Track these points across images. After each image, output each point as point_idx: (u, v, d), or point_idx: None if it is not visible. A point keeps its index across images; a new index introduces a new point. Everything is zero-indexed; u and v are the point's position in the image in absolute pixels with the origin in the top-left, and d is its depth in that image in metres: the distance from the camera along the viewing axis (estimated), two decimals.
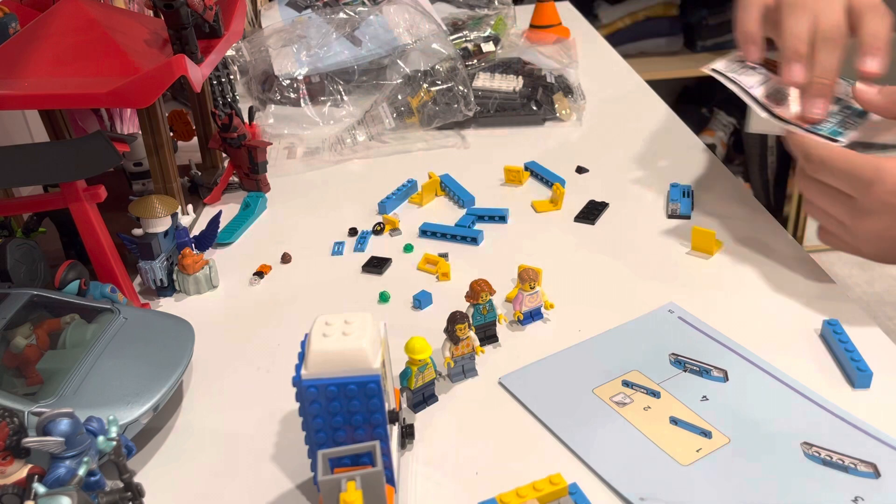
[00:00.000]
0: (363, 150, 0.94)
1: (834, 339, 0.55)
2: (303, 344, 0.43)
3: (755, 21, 0.64)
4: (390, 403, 0.46)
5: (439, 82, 0.97)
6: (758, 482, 0.45)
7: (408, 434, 0.49)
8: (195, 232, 0.73)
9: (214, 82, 0.97)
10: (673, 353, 0.56)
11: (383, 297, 0.65)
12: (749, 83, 0.64)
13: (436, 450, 0.50)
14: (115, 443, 0.40)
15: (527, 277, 0.59)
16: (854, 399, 0.51)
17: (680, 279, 0.65)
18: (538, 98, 0.98)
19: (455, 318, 0.53)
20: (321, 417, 0.42)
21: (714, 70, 0.65)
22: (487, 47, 1.10)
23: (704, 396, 0.52)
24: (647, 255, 0.69)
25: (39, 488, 0.37)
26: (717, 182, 0.80)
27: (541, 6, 1.22)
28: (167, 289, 0.67)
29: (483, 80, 1.00)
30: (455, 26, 1.17)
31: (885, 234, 0.56)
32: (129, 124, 0.87)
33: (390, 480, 0.44)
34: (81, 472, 0.39)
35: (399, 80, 0.99)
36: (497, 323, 0.59)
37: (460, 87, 0.97)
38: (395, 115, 0.97)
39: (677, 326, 0.59)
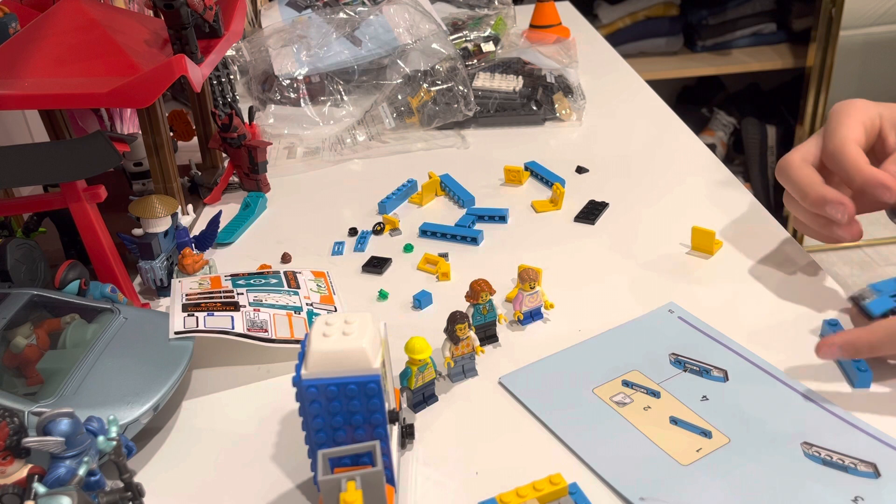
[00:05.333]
0: (363, 150, 0.94)
1: None
2: (303, 344, 0.43)
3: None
4: (390, 403, 0.46)
5: (439, 82, 0.97)
6: (758, 482, 0.45)
7: (408, 434, 0.49)
8: (195, 232, 0.73)
9: (214, 82, 0.97)
10: (673, 353, 0.56)
11: (382, 295, 0.65)
12: None
13: (436, 450, 0.50)
14: (115, 443, 0.40)
15: (527, 277, 0.59)
16: (854, 399, 0.51)
17: (680, 279, 0.65)
18: (538, 98, 0.98)
19: (455, 318, 0.53)
20: (321, 417, 0.42)
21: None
22: (487, 47, 1.10)
23: (704, 396, 0.52)
24: (647, 255, 0.69)
25: (39, 488, 0.37)
26: (717, 182, 0.80)
27: (541, 6, 1.22)
28: (167, 289, 0.67)
29: (483, 80, 1.00)
30: (455, 26, 1.17)
31: None
32: (129, 124, 0.87)
33: (390, 480, 0.44)
34: (81, 471, 0.39)
35: (399, 80, 0.99)
36: (497, 323, 0.59)
37: (460, 87, 0.97)
38: (395, 115, 0.97)
39: (677, 326, 0.59)
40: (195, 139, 0.91)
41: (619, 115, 1.01)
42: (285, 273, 0.65)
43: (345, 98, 1.04)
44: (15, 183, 0.62)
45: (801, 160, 0.60)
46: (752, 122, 2.42)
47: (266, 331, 0.56)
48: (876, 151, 0.61)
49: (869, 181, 0.55)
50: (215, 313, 0.57)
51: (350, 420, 0.42)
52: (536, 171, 0.85)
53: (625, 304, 0.62)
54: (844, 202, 0.56)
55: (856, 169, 0.56)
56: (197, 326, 0.55)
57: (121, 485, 0.41)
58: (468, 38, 1.13)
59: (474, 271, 0.64)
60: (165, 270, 0.67)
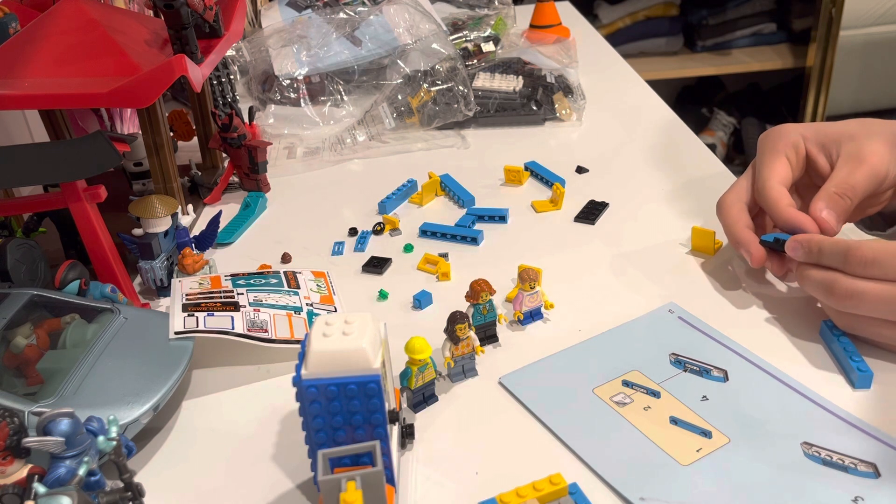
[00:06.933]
0: (363, 150, 0.94)
1: (833, 339, 0.55)
2: (303, 344, 0.43)
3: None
4: (390, 403, 0.46)
5: (439, 82, 0.97)
6: (758, 482, 0.45)
7: (408, 434, 0.49)
8: (195, 232, 0.73)
9: (214, 82, 0.97)
10: (673, 353, 0.56)
11: (382, 295, 0.65)
12: None
13: (436, 450, 0.50)
14: (115, 443, 0.40)
15: (527, 277, 0.59)
16: (854, 399, 0.51)
17: (680, 279, 0.65)
18: (538, 98, 0.98)
19: (455, 318, 0.53)
20: (321, 417, 0.42)
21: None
22: (487, 47, 1.10)
23: (704, 396, 0.52)
24: (647, 255, 0.69)
25: (40, 488, 0.37)
26: (717, 182, 0.80)
27: (541, 6, 1.22)
28: (167, 289, 0.67)
29: (483, 80, 1.00)
30: (455, 26, 1.17)
31: None
32: (129, 124, 0.87)
33: (390, 480, 0.44)
34: (81, 471, 0.39)
35: (399, 80, 0.99)
36: (497, 323, 0.59)
37: (460, 87, 0.97)
38: (395, 115, 0.97)
39: (677, 326, 0.59)
40: (195, 139, 0.91)
41: (620, 115, 1.01)
42: (285, 273, 0.65)
43: (345, 98, 1.04)
44: (15, 183, 0.62)
45: (734, 199, 0.63)
46: (752, 122, 2.42)
47: (266, 331, 0.56)
48: (811, 174, 0.63)
49: (788, 223, 0.58)
50: (215, 313, 0.57)
51: (350, 420, 0.42)
52: (536, 171, 0.85)
53: (625, 304, 0.62)
54: (751, 251, 0.59)
55: (776, 212, 0.59)
56: (197, 326, 0.55)
57: (121, 485, 0.41)
58: (468, 38, 1.13)
59: (474, 271, 0.64)
60: (165, 270, 0.67)
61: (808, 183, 0.63)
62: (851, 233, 0.70)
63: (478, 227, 0.76)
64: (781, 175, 0.60)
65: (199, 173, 0.86)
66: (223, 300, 0.59)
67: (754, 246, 0.60)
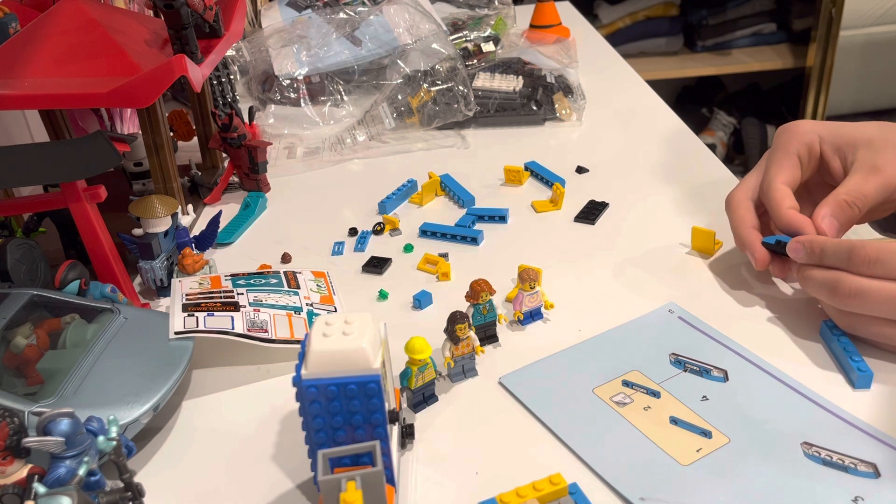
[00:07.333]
0: (363, 150, 0.94)
1: (833, 339, 0.55)
2: (303, 344, 0.43)
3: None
4: (390, 403, 0.46)
5: (439, 82, 0.97)
6: (758, 482, 0.45)
7: (408, 434, 0.49)
8: (195, 232, 0.73)
9: (214, 82, 0.97)
10: (673, 353, 0.56)
11: (382, 295, 0.65)
12: None
13: (436, 450, 0.50)
14: (115, 443, 0.40)
15: (527, 277, 0.59)
16: (854, 399, 0.51)
17: (680, 279, 0.65)
18: (538, 98, 0.98)
19: (455, 318, 0.53)
20: (321, 417, 0.42)
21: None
22: (487, 47, 1.10)
23: (704, 396, 0.52)
24: (647, 255, 0.69)
25: (40, 488, 0.37)
26: (717, 182, 0.80)
27: (541, 6, 1.22)
28: (167, 289, 0.67)
29: (483, 80, 1.01)
30: (455, 26, 1.17)
31: None
32: (129, 124, 0.87)
33: (390, 480, 0.44)
34: (81, 471, 0.39)
35: (399, 80, 0.99)
36: (497, 323, 0.59)
37: (460, 87, 0.97)
38: (395, 115, 0.97)
39: (677, 326, 0.59)
40: (195, 139, 0.91)
41: (620, 115, 1.01)
42: (285, 273, 0.65)
43: (345, 98, 1.04)
44: (15, 183, 0.62)
45: (741, 197, 0.63)
46: (752, 122, 2.42)
47: (266, 331, 0.56)
48: (824, 174, 0.62)
49: (788, 225, 0.58)
50: (215, 313, 0.57)
51: (350, 420, 0.42)
52: (536, 171, 0.85)
53: (625, 304, 0.62)
54: (755, 254, 0.59)
55: (777, 214, 0.59)
56: (197, 326, 0.55)
57: (121, 485, 0.41)
58: (468, 38, 1.13)
59: (474, 271, 0.64)
60: (165, 270, 0.67)
61: (818, 181, 0.63)
62: (854, 234, 0.70)
63: (478, 227, 0.76)
64: (788, 175, 0.60)
65: (199, 173, 0.86)
66: (223, 300, 0.59)
67: (758, 248, 0.59)
